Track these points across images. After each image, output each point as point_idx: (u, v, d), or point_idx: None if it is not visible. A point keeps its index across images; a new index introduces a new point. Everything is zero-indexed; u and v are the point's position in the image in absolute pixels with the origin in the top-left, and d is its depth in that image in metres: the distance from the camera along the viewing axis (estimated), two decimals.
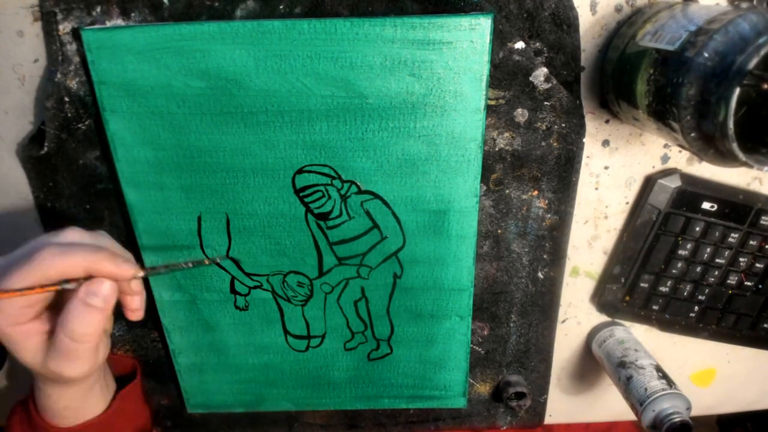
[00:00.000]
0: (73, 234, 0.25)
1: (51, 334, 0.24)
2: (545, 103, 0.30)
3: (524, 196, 0.33)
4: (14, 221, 0.34)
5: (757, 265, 0.35)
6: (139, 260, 0.34)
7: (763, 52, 0.20)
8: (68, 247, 0.23)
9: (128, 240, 0.34)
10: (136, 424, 0.35)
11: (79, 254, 0.23)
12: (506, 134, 0.31)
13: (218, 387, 0.38)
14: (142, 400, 0.36)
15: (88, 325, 0.23)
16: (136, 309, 0.27)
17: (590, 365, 0.40)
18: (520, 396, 0.37)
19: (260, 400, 0.38)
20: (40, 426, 0.29)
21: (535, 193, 0.32)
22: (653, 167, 0.33)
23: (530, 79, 0.29)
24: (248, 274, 0.34)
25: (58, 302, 0.25)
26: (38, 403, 0.29)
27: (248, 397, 0.38)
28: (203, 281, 0.34)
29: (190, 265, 0.28)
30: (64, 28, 0.28)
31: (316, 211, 0.32)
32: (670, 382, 0.33)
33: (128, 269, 0.24)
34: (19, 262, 0.23)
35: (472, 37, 0.27)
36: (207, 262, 0.29)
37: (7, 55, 0.29)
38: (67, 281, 0.23)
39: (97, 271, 0.23)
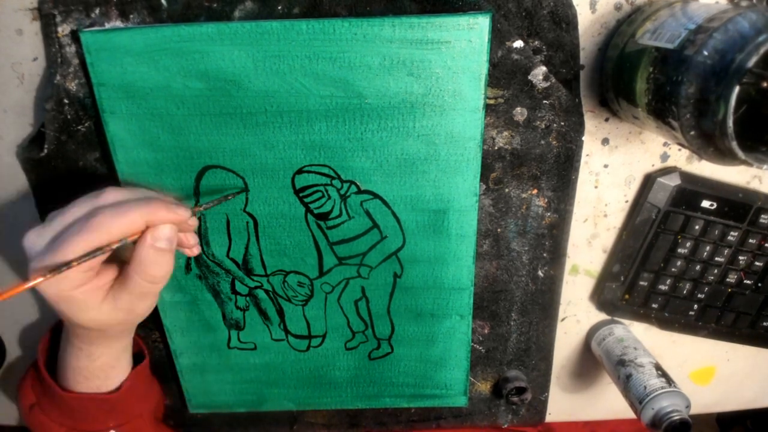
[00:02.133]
0: (115, 194, 0.26)
1: (109, 285, 0.26)
2: (544, 101, 0.30)
3: (524, 195, 0.33)
4: (14, 215, 0.34)
5: (757, 263, 0.35)
6: None
7: (762, 51, 0.20)
8: (122, 207, 0.24)
9: None
10: (147, 406, 0.35)
11: (136, 211, 0.24)
12: (505, 133, 0.31)
13: (220, 387, 0.38)
14: (151, 380, 0.36)
15: (162, 267, 0.26)
16: (193, 245, 0.29)
17: (590, 363, 0.40)
18: (520, 391, 0.37)
19: (262, 400, 0.38)
20: (53, 391, 0.30)
21: (535, 191, 0.32)
22: (653, 165, 0.33)
23: (529, 77, 0.29)
24: (249, 274, 0.34)
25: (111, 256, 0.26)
26: (63, 365, 0.30)
27: (250, 397, 0.38)
28: (204, 282, 0.34)
29: (230, 197, 0.30)
30: (63, 30, 0.28)
31: (315, 211, 0.32)
32: (669, 381, 0.33)
33: (183, 211, 0.26)
34: (74, 229, 0.24)
35: (470, 36, 0.27)
36: (242, 190, 0.31)
37: (6, 54, 0.29)
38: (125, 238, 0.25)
39: (156, 221, 0.25)
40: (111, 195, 0.26)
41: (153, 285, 0.26)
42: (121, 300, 0.26)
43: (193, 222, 0.28)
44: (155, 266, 0.25)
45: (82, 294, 0.24)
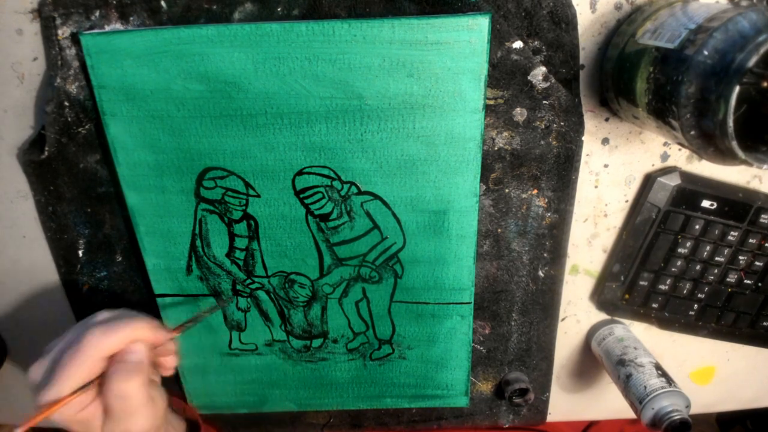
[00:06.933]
0: (104, 314, 0.28)
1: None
2: (544, 101, 0.30)
3: (524, 195, 0.33)
4: (14, 217, 0.34)
5: (757, 263, 0.35)
6: (141, 263, 0.34)
7: (762, 50, 0.20)
8: (109, 326, 0.26)
9: (130, 243, 0.34)
10: None
11: (121, 330, 0.26)
12: (505, 133, 0.31)
13: (221, 388, 0.38)
14: None
15: (129, 383, 0.26)
16: (170, 367, 0.31)
17: (590, 363, 0.40)
18: (523, 392, 0.37)
19: (263, 401, 0.39)
20: None
21: (535, 191, 0.33)
22: (653, 165, 0.33)
23: (529, 78, 0.29)
24: (250, 276, 0.34)
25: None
26: None
27: (251, 398, 0.38)
28: (205, 283, 0.34)
29: (208, 314, 0.33)
30: (63, 32, 0.28)
31: (316, 213, 0.32)
32: (669, 380, 0.33)
33: (164, 333, 0.28)
34: (66, 355, 0.25)
35: (470, 37, 0.27)
36: (221, 304, 0.33)
37: (6, 54, 0.29)
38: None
39: (140, 341, 0.27)
40: (100, 316, 0.27)
41: (123, 401, 0.25)
42: (110, 422, 0.26)
43: (172, 345, 0.30)
44: (119, 381, 0.25)
45: (84, 416, 0.26)
